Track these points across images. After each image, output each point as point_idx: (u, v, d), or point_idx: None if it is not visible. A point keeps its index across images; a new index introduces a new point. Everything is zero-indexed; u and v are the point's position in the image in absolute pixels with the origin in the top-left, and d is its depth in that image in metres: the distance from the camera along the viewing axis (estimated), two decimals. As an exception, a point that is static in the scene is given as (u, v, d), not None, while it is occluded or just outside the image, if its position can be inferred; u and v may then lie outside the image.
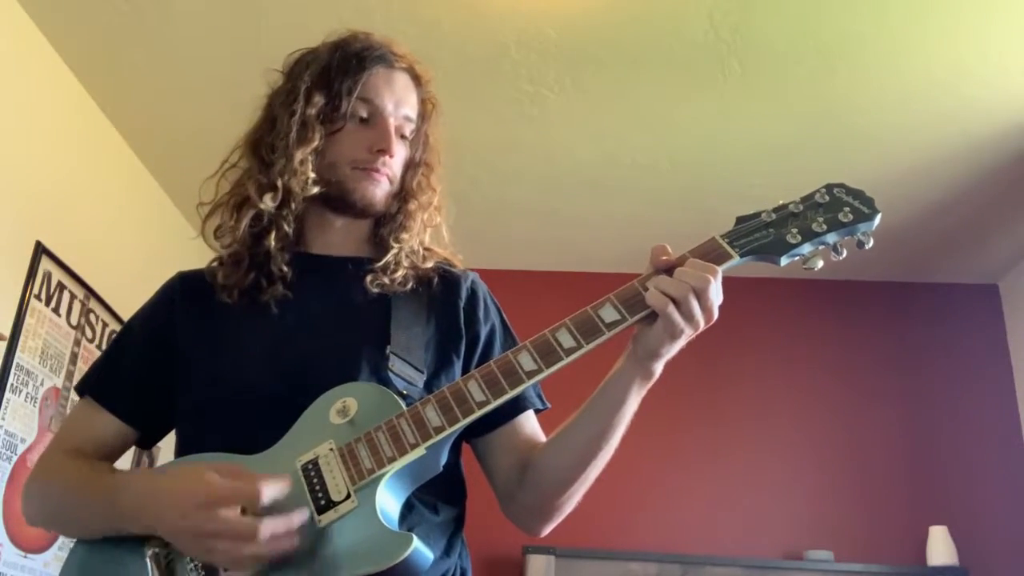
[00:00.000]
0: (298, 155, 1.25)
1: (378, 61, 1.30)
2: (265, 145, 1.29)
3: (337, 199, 1.28)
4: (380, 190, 1.28)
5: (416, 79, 1.35)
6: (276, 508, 1.03)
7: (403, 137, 1.31)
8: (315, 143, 1.26)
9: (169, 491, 1.04)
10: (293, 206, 1.26)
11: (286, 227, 1.26)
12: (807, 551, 3.54)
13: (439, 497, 1.18)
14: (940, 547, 3.47)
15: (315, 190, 1.26)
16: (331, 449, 1.07)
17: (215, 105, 2.91)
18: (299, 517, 1.01)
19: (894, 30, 2.66)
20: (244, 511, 1.00)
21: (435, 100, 1.37)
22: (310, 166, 1.25)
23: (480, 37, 2.75)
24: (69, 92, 2.96)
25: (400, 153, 1.31)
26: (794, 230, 1.10)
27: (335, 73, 1.29)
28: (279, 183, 1.25)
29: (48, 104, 2.86)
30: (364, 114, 1.28)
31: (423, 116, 1.35)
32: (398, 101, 1.30)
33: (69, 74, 2.93)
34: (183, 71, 2.92)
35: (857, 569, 3.46)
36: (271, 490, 1.00)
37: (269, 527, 0.98)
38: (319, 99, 1.27)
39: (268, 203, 1.25)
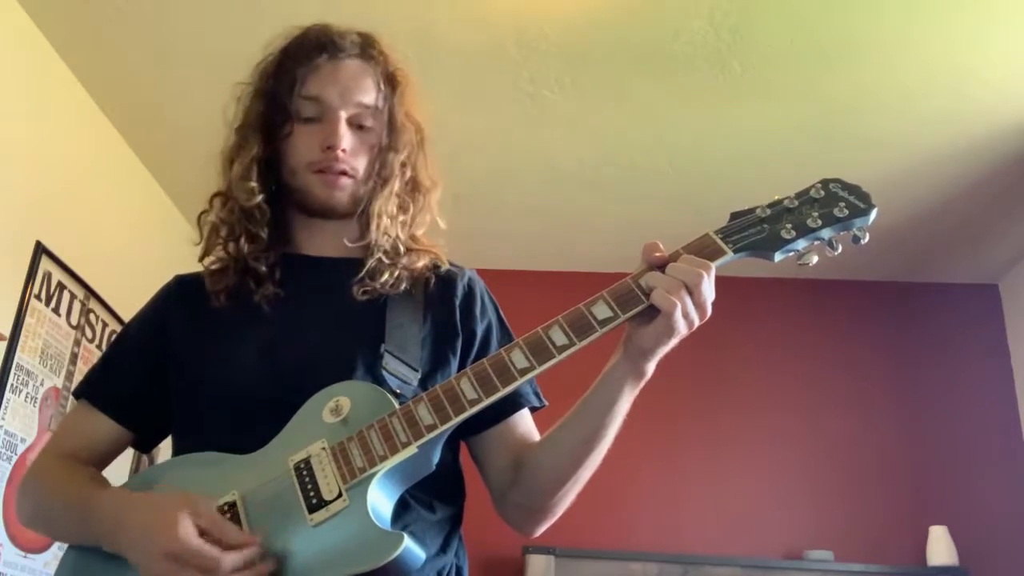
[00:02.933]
0: (236, 167, 1.24)
1: (317, 54, 1.25)
2: (225, 160, 1.29)
3: (304, 205, 1.26)
4: (339, 192, 1.23)
5: (369, 59, 1.27)
6: (268, 509, 1.03)
7: (361, 127, 1.25)
8: (253, 151, 1.24)
9: (140, 526, 1.03)
10: (257, 216, 1.24)
11: (258, 232, 1.25)
12: (807, 551, 3.54)
13: (435, 495, 1.17)
14: (940, 547, 3.47)
15: (259, 199, 1.23)
16: (323, 448, 1.06)
17: (215, 105, 2.89)
18: (249, 553, 1.00)
19: (894, 31, 2.66)
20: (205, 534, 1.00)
21: (401, 74, 1.29)
22: (253, 176, 1.23)
23: (480, 37, 2.75)
24: (69, 92, 2.96)
25: (360, 145, 1.24)
26: (788, 225, 1.09)
27: (273, 79, 1.27)
28: (229, 195, 1.26)
29: (48, 104, 2.86)
30: (312, 113, 1.23)
31: (385, 97, 1.27)
32: (345, 91, 1.23)
33: (69, 74, 2.93)
34: (183, 71, 2.92)
35: (857, 569, 3.46)
36: (232, 561, 0.99)
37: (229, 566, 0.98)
38: (258, 106, 1.26)
39: (226, 215, 1.25)
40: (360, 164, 1.24)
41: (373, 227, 1.24)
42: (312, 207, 1.25)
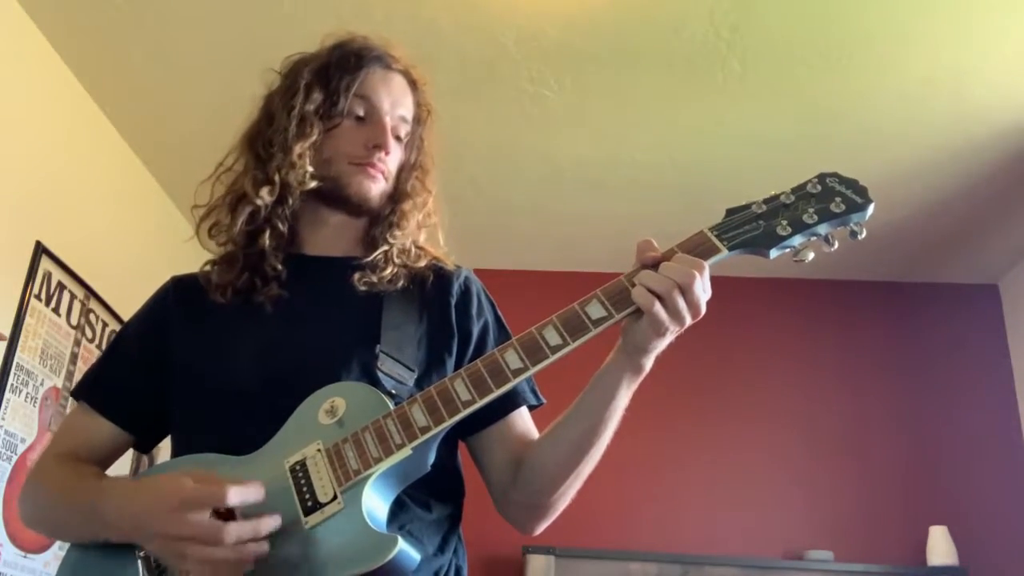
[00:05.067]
0: (296, 149, 1.25)
1: (375, 61, 1.32)
2: (262, 142, 1.29)
3: (332, 194, 1.28)
4: (376, 186, 1.28)
5: (412, 83, 1.36)
6: (264, 511, 1.03)
7: (398, 138, 1.32)
8: (313, 138, 1.27)
9: (145, 500, 1.05)
10: (290, 202, 1.27)
11: (281, 225, 1.27)
12: (807, 551, 3.54)
13: (432, 494, 1.18)
14: (940, 547, 3.47)
15: (312, 184, 1.26)
16: (319, 450, 1.07)
17: (215, 105, 2.91)
18: (269, 523, 1.01)
19: (894, 30, 2.66)
20: (220, 516, 1.00)
21: (431, 106, 1.38)
22: (308, 160, 1.26)
23: (480, 37, 2.75)
24: (69, 92, 2.96)
25: (395, 153, 1.31)
26: (784, 222, 1.08)
27: (333, 70, 1.30)
28: (276, 178, 1.26)
29: (48, 104, 2.86)
30: (361, 112, 1.29)
31: (418, 120, 1.36)
32: (394, 101, 1.31)
33: (69, 74, 2.93)
34: (183, 71, 2.93)
35: (857, 569, 3.46)
36: (238, 493, 1.00)
37: (235, 531, 0.98)
38: (317, 95, 1.29)
39: (265, 198, 1.25)
40: (393, 170, 1.32)
41: (408, 224, 1.30)
42: (341, 197, 1.28)
